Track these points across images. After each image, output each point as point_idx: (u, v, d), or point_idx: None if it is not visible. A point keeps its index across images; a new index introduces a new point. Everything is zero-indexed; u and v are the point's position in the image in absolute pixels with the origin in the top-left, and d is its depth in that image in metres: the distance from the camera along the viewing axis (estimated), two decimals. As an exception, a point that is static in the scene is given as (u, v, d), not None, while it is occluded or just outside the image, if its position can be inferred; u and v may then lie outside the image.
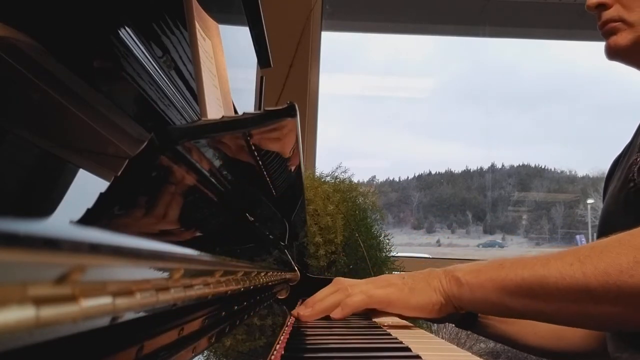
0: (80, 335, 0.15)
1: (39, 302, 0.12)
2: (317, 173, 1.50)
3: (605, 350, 0.84)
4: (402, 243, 3.37)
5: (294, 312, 0.77)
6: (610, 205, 0.85)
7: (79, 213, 0.19)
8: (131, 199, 0.26)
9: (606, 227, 0.84)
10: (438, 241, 3.64)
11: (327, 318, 0.80)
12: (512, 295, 0.66)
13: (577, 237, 3.13)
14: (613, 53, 0.83)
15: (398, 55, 3.48)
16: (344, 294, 0.75)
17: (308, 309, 0.76)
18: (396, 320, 0.75)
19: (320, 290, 0.79)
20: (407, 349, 0.49)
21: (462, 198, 3.63)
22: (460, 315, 0.85)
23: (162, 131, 0.31)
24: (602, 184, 1.00)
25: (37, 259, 0.12)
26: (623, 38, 0.81)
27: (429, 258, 2.70)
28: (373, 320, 0.75)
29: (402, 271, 1.35)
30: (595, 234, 0.97)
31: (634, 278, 0.58)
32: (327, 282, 0.82)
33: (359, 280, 0.79)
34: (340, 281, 0.80)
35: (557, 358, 0.94)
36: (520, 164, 3.52)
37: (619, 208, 0.81)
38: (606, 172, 0.98)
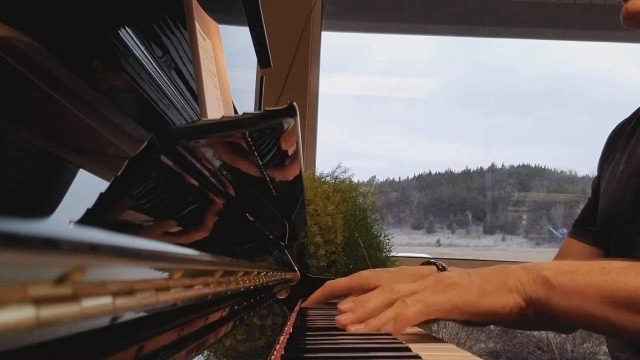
0: (80, 335, 0.15)
1: (39, 302, 0.12)
2: (317, 173, 1.50)
3: None
4: (402, 243, 3.37)
5: (345, 324, 0.63)
6: (616, 192, 0.83)
7: (79, 213, 0.19)
8: (131, 199, 0.26)
9: (616, 216, 0.83)
10: (438, 241, 3.64)
11: (327, 318, 0.80)
12: (618, 308, 0.56)
13: (560, 231, 3.11)
14: (630, 17, 0.78)
15: (398, 55, 3.48)
16: (400, 307, 0.61)
17: (360, 326, 0.62)
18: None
19: (371, 297, 0.65)
20: (407, 349, 0.49)
21: (462, 198, 3.63)
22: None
23: (162, 131, 0.31)
24: (592, 184, 1.00)
25: (37, 259, 0.12)
26: None
27: (429, 258, 2.70)
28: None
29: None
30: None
31: None
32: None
33: (414, 285, 0.64)
34: (392, 287, 0.65)
35: None
36: (520, 164, 3.52)
37: (628, 199, 0.80)
38: None
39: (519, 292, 0.60)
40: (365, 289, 0.73)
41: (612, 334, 0.62)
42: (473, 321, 0.64)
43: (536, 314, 0.60)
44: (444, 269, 0.81)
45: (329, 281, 0.81)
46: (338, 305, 0.66)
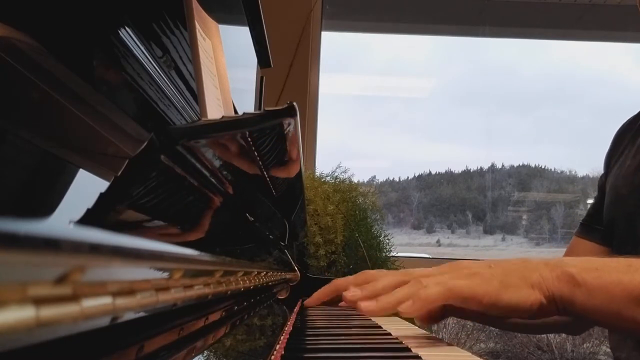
0: (80, 335, 0.15)
1: (39, 302, 0.12)
2: (317, 173, 1.50)
3: None
4: (402, 243, 3.37)
5: (353, 300, 0.59)
6: (621, 187, 0.83)
7: (79, 213, 0.19)
8: (131, 199, 0.26)
9: (622, 212, 0.83)
10: (438, 241, 3.64)
11: (327, 318, 0.80)
12: None
13: None
14: None
15: (398, 55, 3.48)
16: (416, 286, 0.58)
17: (371, 303, 0.58)
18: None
19: (382, 277, 0.62)
20: (407, 349, 0.49)
21: (462, 198, 3.63)
22: (567, 320, 0.69)
23: (162, 131, 0.31)
24: (598, 182, 1.00)
25: (37, 259, 0.12)
26: None
27: (429, 258, 2.70)
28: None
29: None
30: None
31: None
32: (327, 282, 0.82)
33: (430, 269, 0.62)
34: (409, 271, 0.63)
35: None
36: (520, 164, 3.52)
37: (634, 194, 0.80)
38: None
39: (540, 289, 0.57)
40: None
41: (637, 334, 0.59)
42: (487, 315, 0.60)
43: (558, 312, 0.58)
44: None
45: (336, 279, 0.80)
46: (344, 293, 0.61)
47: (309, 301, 0.84)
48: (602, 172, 0.98)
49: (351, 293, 0.59)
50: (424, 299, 0.56)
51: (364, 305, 0.58)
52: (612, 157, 0.93)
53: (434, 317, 0.65)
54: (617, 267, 0.56)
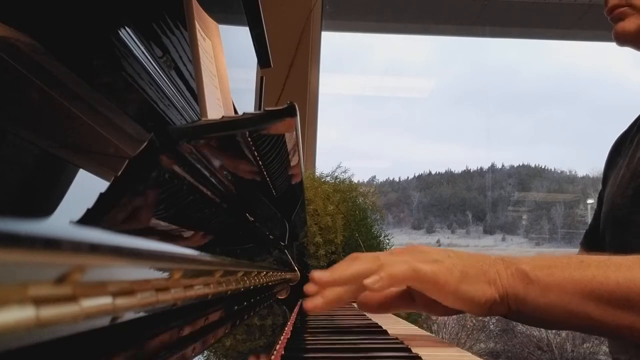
0: (80, 335, 0.15)
1: (39, 302, 0.12)
2: (317, 173, 1.50)
3: None
4: (402, 243, 3.37)
5: (315, 308, 0.55)
6: (616, 196, 0.84)
7: (79, 213, 0.19)
8: (131, 199, 0.26)
9: (613, 219, 0.83)
10: (438, 241, 3.64)
11: (327, 318, 0.80)
12: (600, 303, 0.53)
13: None
14: (622, 39, 0.80)
15: (398, 55, 3.48)
16: (376, 262, 0.55)
17: (325, 275, 0.54)
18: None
19: (339, 263, 0.58)
20: (407, 349, 0.49)
21: (462, 198, 3.63)
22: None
23: (162, 131, 0.31)
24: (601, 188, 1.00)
25: (37, 259, 0.12)
26: (631, 23, 0.78)
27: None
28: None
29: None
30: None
31: None
32: None
33: (381, 253, 0.58)
34: (361, 254, 0.58)
35: None
36: (520, 164, 3.52)
37: (626, 202, 0.80)
38: None
39: (496, 286, 0.56)
40: None
41: (592, 331, 0.57)
42: (441, 305, 0.58)
43: (509, 310, 0.57)
44: None
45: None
46: (311, 272, 0.57)
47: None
48: (602, 174, 0.98)
49: (311, 304, 0.55)
50: (390, 274, 0.54)
51: (317, 276, 0.54)
52: (609, 168, 0.94)
53: (388, 303, 0.62)
54: (569, 264, 0.56)
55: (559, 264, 0.56)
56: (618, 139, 0.96)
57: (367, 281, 0.53)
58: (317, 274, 0.55)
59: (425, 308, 0.61)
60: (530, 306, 0.56)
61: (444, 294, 0.55)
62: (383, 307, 0.62)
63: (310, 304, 0.55)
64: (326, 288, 0.55)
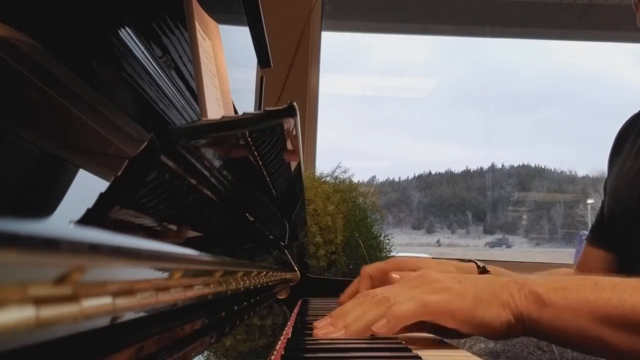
0: (80, 335, 0.15)
1: (39, 302, 0.12)
2: (317, 173, 1.50)
3: None
4: (402, 243, 3.38)
5: (317, 331, 0.56)
6: (621, 187, 0.83)
7: (79, 213, 0.19)
8: (131, 199, 0.26)
9: (622, 215, 0.83)
10: (438, 241, 3.65)
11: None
12: (614, 327, 0.52)
13: (580, 233, 3.13)
14: None
15: (398, 55, 3.48)
16: (385, 304, 0.55)
17: (339, 329, 0.55)
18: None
19: (347, 304, 0.58)
20: (407, 349, 0.49)
21: (462, 198, 3.63)
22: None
23: (162, 131, 0.31)
24: (602, 185, 0.99)
25: (37, 259, 0.12)
26: None
27: (429, 258, 2.70)
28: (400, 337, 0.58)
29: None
30: None
31: None
32: (327, 282, 0.81)
33: (392, 287, 0.59)
34: (370, 292, 0.59)
35: None
36: (520, 164, 3.52)
37: (635, 193, 0.79)
38: (606, 172, 0.98)
39: (510, 308, 0.56)
40: (401, 270, 0.67)
41: (606, 355, 0.56)
42: (457, 331, 0.58)
43: (524, 332, 0.57)
44: (484, 268, 0.77)
45: (365, 266, 0.76)
46: (315, 329, 0.57)
47: (342, 298, 0.77)
48: (602, 174, 0.98)
49: (322, 331, 0.56)
50: (398, 315, 0.54)
51: (336, 335, 0.55)
52: (614, 157, 0.93)
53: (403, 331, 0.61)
54: (583, 286, 0.55)
55: (572, 286, 0.55)
56: (624, 126, 0.95)
57: (376, 328, 0.54)
58: (324, 330, 0.55)
59: (440, 333, 0.61)
60: (545, 327, 0.55)
61: (458, 322, 0.55)
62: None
63: (320, 332, 0.55)
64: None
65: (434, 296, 0.55)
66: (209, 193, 0.42)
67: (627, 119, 0.96)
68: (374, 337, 0.56)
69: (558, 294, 0.55)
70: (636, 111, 0.94)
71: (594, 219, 1.00)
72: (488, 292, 0.57)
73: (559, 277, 0.60)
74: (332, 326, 0.55)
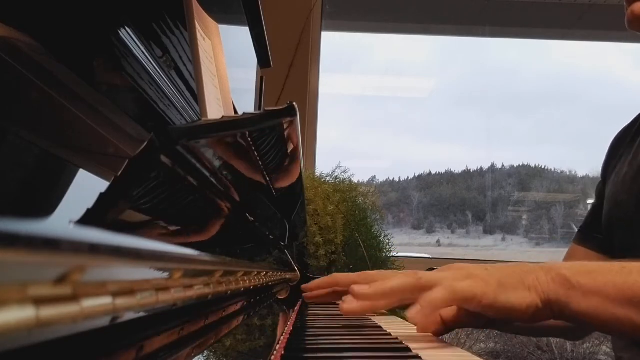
0: (80, 335, 0.15)
1: (39, 302, 0.12)
2: (317, 173, 1.50)
3: None
4: (402, 243, 3.37)
5: (350, 311, 0.59)
6: (619, 193, 0.83)
7: (79, 213, 0.19)
8: (131, 199, 0.26)
9: (619, 220, 0.83)
10: (438, 241, 3.64)
11: (327, 318, 0.80)
12: None
13: None
14: (636, 20, 0.76)
15: (398, 55, 3.48)
16: (414, 277, 0.58)
17: (364, 288, 0.58)
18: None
19: (391, 277, 0.61)
20: (407, 349, 0.49)
21: (462, 198, 3.63)
22: (566, 325, 0.68)
23: (162, 131, 0.31)
24: (595, 188, 1.00)
25: (37, 259, 0.12)
26: None
27: (429, 258, 2.70)
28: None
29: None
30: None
31: None
32: None
33: (434, 272, 0.62)
34: (397, 272, 0.61)
35: None
36: (520, 164, 3.52)
37: (632, 198, 0.80)
38: None
39: (537, 292, 0.57)
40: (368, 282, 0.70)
41: (633, 335, 0.57)
42: (483, 318, 0.60)
43: (553, 315, 0.58)
44: None
45: (337, 273, 0.81)
46: (341, 304, 0.60)
47: (306, 286, 0.85)
48: (600, 178, 0.98)
49: (347, 305, 0.59)
50: (431, 303, 0.56)
51: (358, 289, 0.58)
52: (610, 164, 0.94)
53: (439, 328, 0.63)
54: (610, 269, 0.56)
55: (599, 270, 0.56)
56: (619, 134, 0.96)
57: (410, 314, 0.57)
58: (357, 287, 0.59)
59: (476, 324, 0.63)
60: (573, 311, 0.56)
61: (484, 306, 0.57)
62: (440, 332, 0.63)
63: (347, 306, 0.58)
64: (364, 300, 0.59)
65: (460, 282, 0.57)
66: (208, 193, 0.42)
67: (626, 120, 0.96)
68: (374, 337, 0.56)
69: (585, 277, 0.56)
70: (634, 115, 0.94)
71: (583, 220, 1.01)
72: (513, 276, 0.58)
73: (585, 262, 0.61)
74: (371, 290, 0.58)
